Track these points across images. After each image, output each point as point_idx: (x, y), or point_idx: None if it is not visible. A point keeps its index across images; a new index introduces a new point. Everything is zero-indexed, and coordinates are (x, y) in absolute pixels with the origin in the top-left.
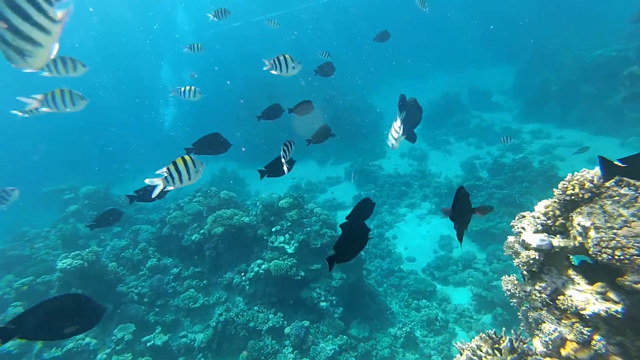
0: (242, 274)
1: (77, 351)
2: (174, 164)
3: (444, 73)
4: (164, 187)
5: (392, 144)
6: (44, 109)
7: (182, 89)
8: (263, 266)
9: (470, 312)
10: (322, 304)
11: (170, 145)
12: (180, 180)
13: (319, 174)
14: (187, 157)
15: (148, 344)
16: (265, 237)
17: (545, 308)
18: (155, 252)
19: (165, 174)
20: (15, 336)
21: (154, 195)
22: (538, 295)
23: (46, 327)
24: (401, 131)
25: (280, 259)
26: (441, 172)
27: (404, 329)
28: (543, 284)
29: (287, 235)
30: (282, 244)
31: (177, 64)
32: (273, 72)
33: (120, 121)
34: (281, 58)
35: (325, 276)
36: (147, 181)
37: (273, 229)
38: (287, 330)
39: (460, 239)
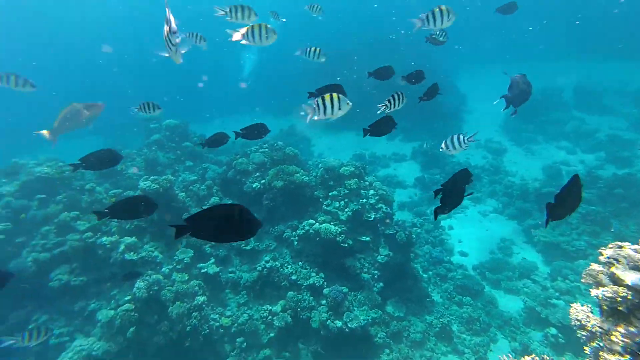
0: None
1: (147, 260)
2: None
3: (542, 62)
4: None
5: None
6: None
7: (308, 49)
8: (314, 226)
9: (518, 323)
10: (364, 275)
11: (244, 97)
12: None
13: (385, 148)
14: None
15: (202, 271)
16: (320, 200)
17: (628, 356)
18: (219, 192)
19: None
20: (187, 233)
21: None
22: (621, 339)
23: (211, 229)
24: (462, 145)
25: (332, 223)
26: (517, 171)
27: (441, 320)
28: (632, 329)
29: (342, 202)
30: (335, 210)
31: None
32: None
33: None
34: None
35: (372, 250)
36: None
37: (330, 193)
38: (325, 291)
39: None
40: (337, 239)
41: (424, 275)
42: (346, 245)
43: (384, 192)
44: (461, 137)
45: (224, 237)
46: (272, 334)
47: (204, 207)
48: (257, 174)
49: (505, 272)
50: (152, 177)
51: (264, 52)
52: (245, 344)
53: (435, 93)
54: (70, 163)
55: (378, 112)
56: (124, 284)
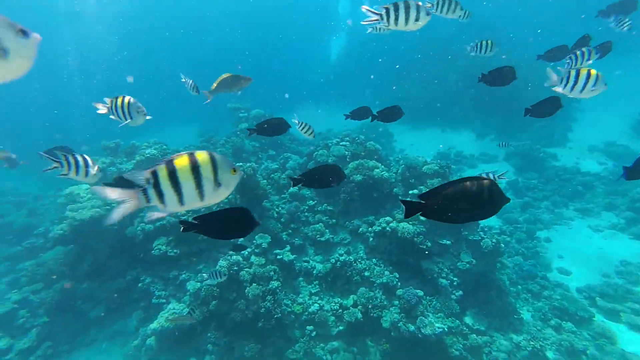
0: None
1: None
2: None
3: None
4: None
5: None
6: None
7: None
8: (391, 224)
9: None
10: (442, 280)
11: (330, 87)
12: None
13: (473, 147)
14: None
15: (278, 257)
16: (399, 197)
17: None
18: None
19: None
20: (193, 230)
21: None
22: None
23: (216, 229)
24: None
25: (410, 223)
26: None
27: (532, 343)
28: None
29: None
30: None
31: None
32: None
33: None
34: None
35: (452, 254)
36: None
37: (410, 192)
38: (399, 292)
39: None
40: (415, 239)
41: (512, 289)
42: (424, 247)
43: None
44: (490, 174)
45: (225, 236)
46: (341, 327)
47: (282, 199)
48: None
49: (629, 303)
50: (238, 163)
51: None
52: (314, 333)
53: (507, 79)
54: (248, 128)
55: None
56: (220, 254)
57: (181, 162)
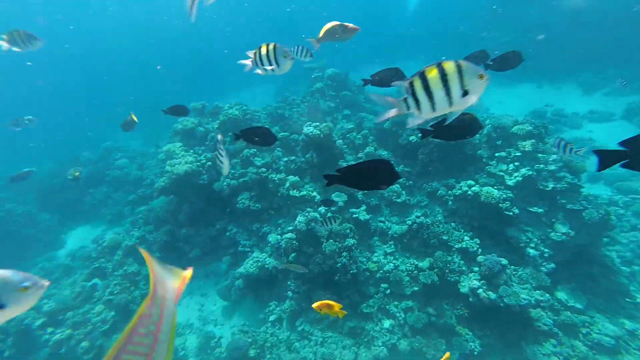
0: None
1: (307, 198)
2: None
3: None
4: None
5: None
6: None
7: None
8: (473, 188)
9: None
10: (530, 250)
11: (406, 43)
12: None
13: (577, 104)
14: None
15: (354, 215)
16: (484, 160)
17: None
18: (374, 142)
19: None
20: (336, 182)
21: None
22: None
23: (358, 181)
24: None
25: (495, 187)
26: None
27: None
28: None
29: (511, 165)
30: (502, 173)
31: None
32: None
33: None
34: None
35: (545, 224)
36: None
37: (496, 154)
38: (480, 258)
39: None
40: (501, 205)
41: (625, 268)
42: (511, 213)
43: (570, 159)
44: (568, 148)
45: (367, 186)
46: (416, 288)
47: (358, 159)
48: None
49: None
50: (314, 123)
51: None
52: (389, 290)
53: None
54: (363, 78)
55: None
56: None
57: (431, 72)
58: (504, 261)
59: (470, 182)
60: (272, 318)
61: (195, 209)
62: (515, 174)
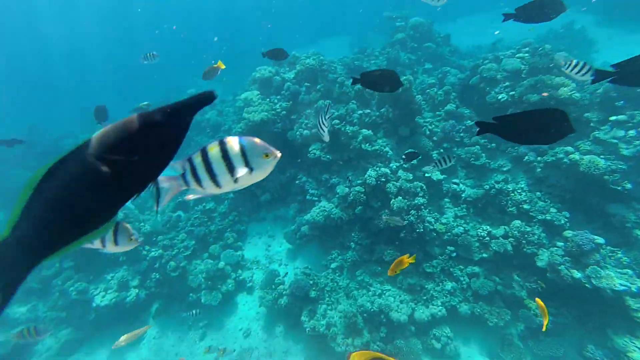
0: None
1: (379, 153)
2: None
3: None
4: None
5: None
6: None
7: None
8: (572, 156)
9: None
10: (639, 232)
11: None
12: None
13: None
14: None
15: (425, 175)
16: (592, 124)
17: None
18: (456, 99)
19: None
20: (490, 132)
21: None
22: None
23: (519, 131)
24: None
25: (602, 156)
26: None
27: None
28: None
29: (631, 132)
30: (615, 140)
31: None
32: None
33: None
34: None
35: None
36: None
37: (611, 118)
38: (567, 233)
39: None
40: (606, 177)
41: None
42: (619, 188)
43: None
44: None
45: (530, 140)
46: (485, 255)
47: (437, 116)
48: (507, 83)
49: None
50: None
51: None
52: (455, 253)
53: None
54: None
55: None
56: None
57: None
58: (600, 239)
59: (569, 148)
60: (333, 265)
61: None
62: (635, 143)
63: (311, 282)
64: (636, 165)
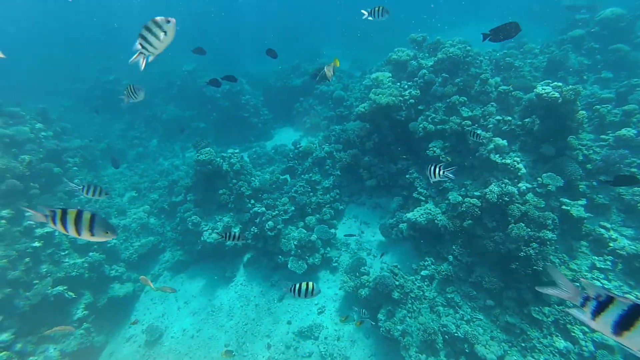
0: None
1: (510, 169)
2: None
3: None
4: None
5: None
6: None
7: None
8: None
9: None
10: None
11: None
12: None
13: None
14: None
15: (563, 207)
16: None
17: None
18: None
19: None
20: None
21: None
22: None
23: None
24: None
25: None
26: None
27: None
28: None
29: None
30: None
31: None
32: None
33: None
34: None
35: None
36: None
37: None
38: None
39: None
40: None
41: None
42: None
43: None
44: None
45: None
46: None
47: (600, 140)
48: None
49: None
50: (554, 82)
51: None
52: None
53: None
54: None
55: None
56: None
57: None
58: None
59: None
60: (424, 272)
61: (385, 141)
62: None
63: (397, 282)
64: None
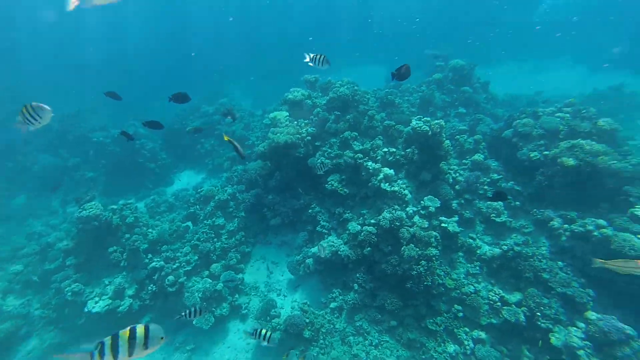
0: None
1: (398, 195)
2: None
3: None
4: None
5: None
6: None
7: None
8: (604, 230)
9: None
10: None
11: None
12: None
13: None
14: None
15: (442, 224)
16: (631, 199)
17: None
18: (485, 149)
19: None
20: None
21: None
22: None
23: None
24: None
25: (638, 236)
26: None
27: None
28: None
29: None
30: None
31: None
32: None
33: None
34: None
35: None
36: None
37: None
38: (591, 315)
39: None
40: None
41: None
42: None
43: None
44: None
45: None
46: (494, 321)
47: (463, 164)
48: (542, 142)
49: None
50: (425, 117)
51: None
52: (462, 314)
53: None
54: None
55: None
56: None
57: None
58: (630, 330)
59: (601, 221)
60: (333, 305)
61: (286, 178)
62: None
63: (307, 320)
64: None
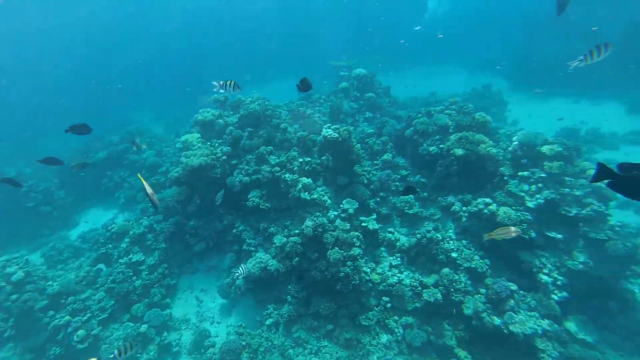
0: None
1: (318, 202)
2: None
3: None
4: None
5: None
6: None
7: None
8: (490, 207)
9: None
10: (543, 276)
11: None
12: None
13: (618, 124)
14: None
15: (363, 224)
16: (505, 178)
17: None
18: (393, 149)
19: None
20: (606, 180)
21: None
22: None
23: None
24: None
25: (514, 207)
26: None
27: None
28: None
29: (533, 187)
30: (522, 193)
31: None
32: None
33: None
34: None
35: (562, 250)
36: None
37: (520, 173)
38: (488, 280)
39: None
40: (517, 226)
41: None
42: (527, 237)
43: (602, 186)
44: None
45: None
46: (418, 305)
47: (374, 165)
48: (437, 137)
49: None
50: (334, 125)
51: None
52: (390, 304)
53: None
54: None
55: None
56: (305, 216)
57: None
58: (513, 286)
59: (488, 200)
60: (269, 322)
61: (206, 201)
62: (537, 196)
63: (244, 342)
64: (538, 217)
